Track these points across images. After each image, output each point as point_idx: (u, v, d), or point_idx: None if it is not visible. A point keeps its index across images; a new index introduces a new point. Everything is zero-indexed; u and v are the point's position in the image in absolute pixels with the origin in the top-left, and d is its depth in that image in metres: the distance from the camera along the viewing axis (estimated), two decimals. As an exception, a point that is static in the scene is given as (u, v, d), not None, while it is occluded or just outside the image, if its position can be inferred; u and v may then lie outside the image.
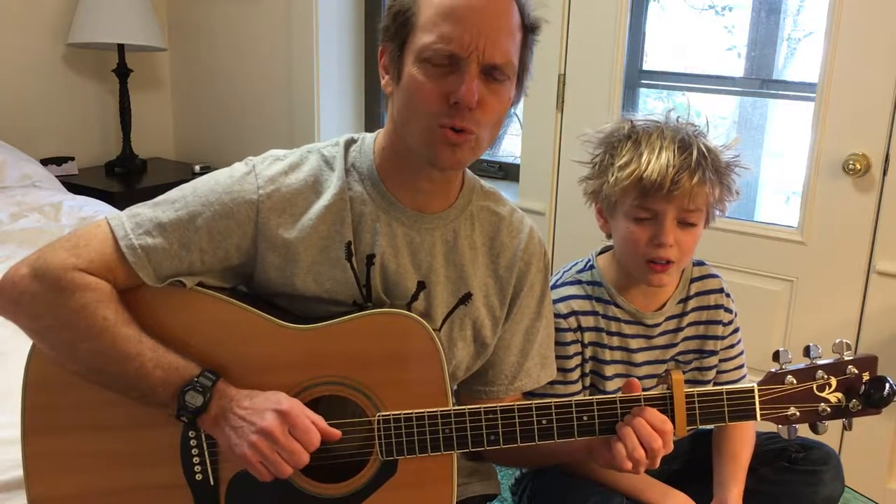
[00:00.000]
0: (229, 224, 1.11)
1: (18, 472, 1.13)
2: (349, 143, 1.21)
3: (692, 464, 1.47)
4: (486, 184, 1.29)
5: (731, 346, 1.45)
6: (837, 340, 1.15)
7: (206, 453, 1.11)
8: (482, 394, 1.29)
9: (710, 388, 1.15)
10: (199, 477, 1.12)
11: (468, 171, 1.25)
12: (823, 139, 2.13)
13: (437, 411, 1.10)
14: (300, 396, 1.10)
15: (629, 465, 1.10)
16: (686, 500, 1.34)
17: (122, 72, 3.02)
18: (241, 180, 1.13)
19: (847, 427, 1.16)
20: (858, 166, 2.06)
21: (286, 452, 1.02)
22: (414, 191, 1.17)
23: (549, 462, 1.37)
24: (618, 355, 1.40)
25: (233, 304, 1.12)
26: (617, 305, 1.40)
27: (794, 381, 1.14)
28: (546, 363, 1.31)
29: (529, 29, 1.13)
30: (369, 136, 1.21)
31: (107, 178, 3.06)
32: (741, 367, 1.47)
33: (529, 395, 1.32)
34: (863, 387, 1.13)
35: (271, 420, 1.02)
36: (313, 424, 1.04)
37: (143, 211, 1.12)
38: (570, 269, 1.46)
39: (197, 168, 3.11)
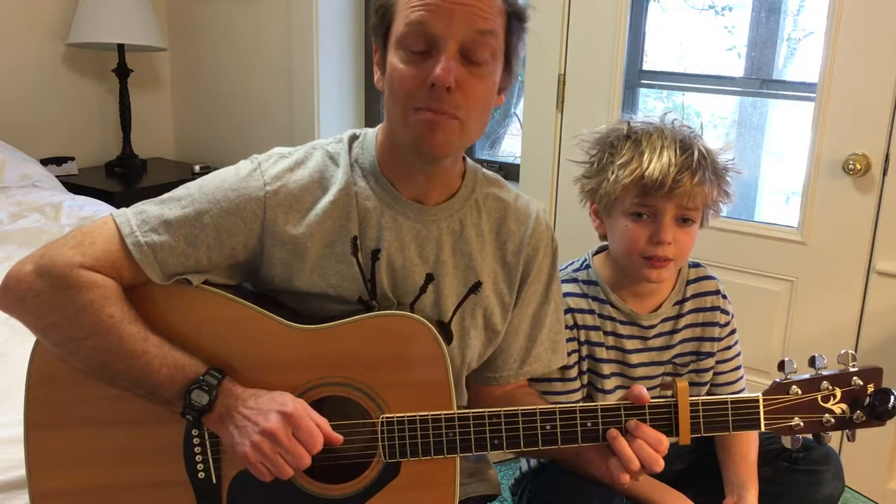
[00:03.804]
0: (236, 221, 1.11)
1: (19, 472, 1.13)
2: (352, 138, 1.21)
3: (695, 464, 1.47)
4: (488, 171, 1.28)
5: (728, 348, 1.46)
6: (843, 351, 1.15)
7: (208, 451, 1.11)
8: (492, 380, 1.29)
9: (714, 397, 1.14)
10: (201, 475, 1.12)
11: (469, 160, 1.25)
12: (823, 139, 2.13)
13: (440, 414, 1.10)
14: (305, 397, 1.10)
15: (626, 479, 1.10)
16: (686, 503, 1.34)
17: (122, 72, 3.02)
18: (247, 178, 1.13)
19: (850, 438, 1.16)
20: (858, 166, 2.06)
21: (288, 454, 1.02)
22: (413, 183, 1.17)
23: (542, 456, 1.39)
24: (613, 355, 1.40)
25: (239, 303, 1.12)
26: (612, 305, 1.40)
27: (799, 392, 1.13)
28: (557, 348, 1.31)
29: (514, 15, 1.12)
30: (371, 132, 1.22)
31: (107, 178, 3.06)
32: (738, 368, 1.48)
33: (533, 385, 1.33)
34: (867, 398, 1.13)
35: (275, 421, 1.02)
36: (317, 427, 1.04)
37: (150, 208, 1.12)
38: (566, 268, 1.46)
39: (197, 168, 3.11)
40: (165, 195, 1.14)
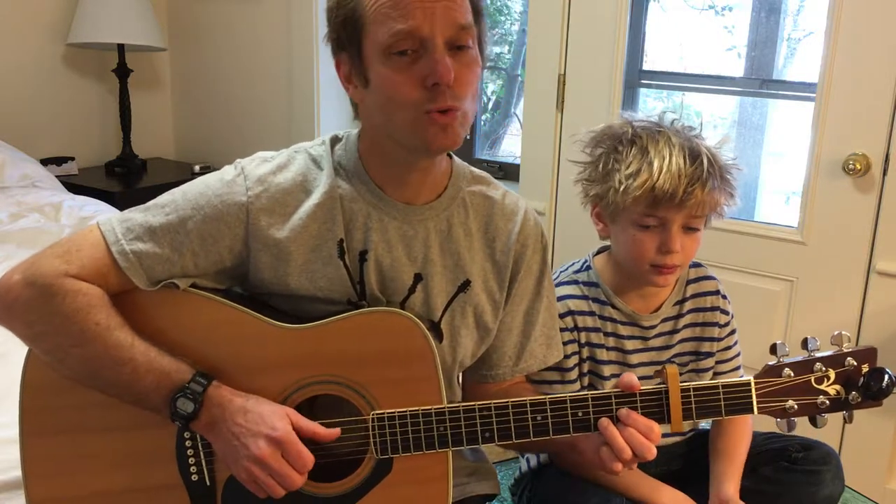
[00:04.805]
0: (220, 227, 1.11)
1: (18, 472, 1.13)
2: (334, 140, 1.21)
3: (691, 464, 1.47)
4: (476, 169, 1.27)
5: (728, 348, 1.45)
6: (836, 332, 1.13)
7: (201, 454, 1.11)
8: (488, 378, 1.29)
9: (705, 382, 1.14)
10: (195, 478, 1.11)
11: (456, 158, 1.25)
12: (823, 139, 2.13)
13: (431, 409, 1.10)
14: (295, 396, 1.10)
15: (619, 467, 1.09)
16: (676, 494, 1.34)
17: (122, 72, 3.02)
18: (230, 183, 1.13)
19: (847, 420, 1.15)
20: (858, 166, 2.06)
21: (279, 476, 1.03)
22: (402, 184, 1.16)
23: (536, 449, 1.39)
24: (613, 356, 1.40)
25: (226, 305, 1.12)
26: (613, 306, 1.40)
27: (792, 374, 1.12)
28: (552, 343, 1.31)
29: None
30: (353, 133, 1.21)
31: (107, 178, 3.06)
32: (738, 368, 1.47)
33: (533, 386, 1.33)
34: (862, 379, 1.12)
35: (264, 448, 1.02)
36: (308, 431, 1.05)
37: (134, 216, 1.12)
38: (567, 269, 1.46)
39: (197, 168, 3.11)
40: (150, 202, 1.14)
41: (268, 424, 1.04)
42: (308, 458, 1.04)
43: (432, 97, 1.05)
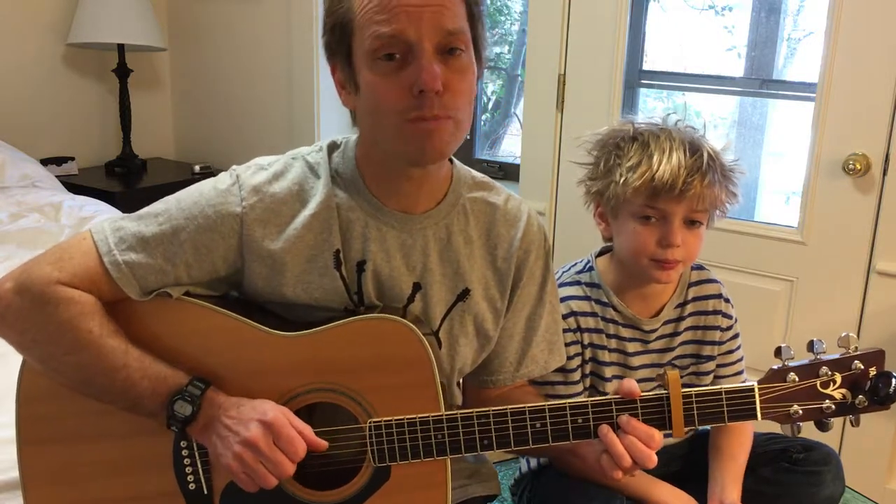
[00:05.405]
0: (214, 237, 1.10)
1: (17, 473, 1.13)
2: (332, 147, 1.19)
3: (691, 465, 1.47)
4: (478, 174, 1.25)
5: (730, 352, 1.45)
6: (843, 334, 1.11)
7: (198, 462, 1.10)
8: (488, 383, 1.28)
9: (708, 387, 1.13)
10: (192, 486, 1.11)
11: (457, 163, 1.23)
12: (823, 139, 2.12)
13: (428, 417, 1.09)
14: (291, 404, 1.09)
15: (619, 475, 1.09)
16: (675, 491, 1.34)
17: (122, 72, 3.02)
18: (224, 192, 1.11)
19: (854, 423, 1.13)
20: (858, 166, 2.06)
21: (270, 463, 1.01)
22: (397, 193, 1.15)
23: (536, 454, 1.39)
24: (615, 357, 1.40)
25: (222, 313, 1.10)
26: (615, 308, 1.39)
27: (797, 379, 1.10)
28: (554, 349, 1.30)
29: (472, 2, 1.08)
30: (352, 140, 1.19)
31: (107, 178, 3.06)
32: (740, 372, 1.47)
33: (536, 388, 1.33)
34: (869, 383, 1.09)
35: (255, 431, 1.01)
36: (299, 435, 1.03)
37: (127, 225, 1.10)
38: (569, 269, 1.46)
39: (197, 168, 3.11)
40: (144, 210, 1.13)
41: (259, 411, 1.03)
42: (300, 444, 1.02)
43: (419, 105, 1.02)
